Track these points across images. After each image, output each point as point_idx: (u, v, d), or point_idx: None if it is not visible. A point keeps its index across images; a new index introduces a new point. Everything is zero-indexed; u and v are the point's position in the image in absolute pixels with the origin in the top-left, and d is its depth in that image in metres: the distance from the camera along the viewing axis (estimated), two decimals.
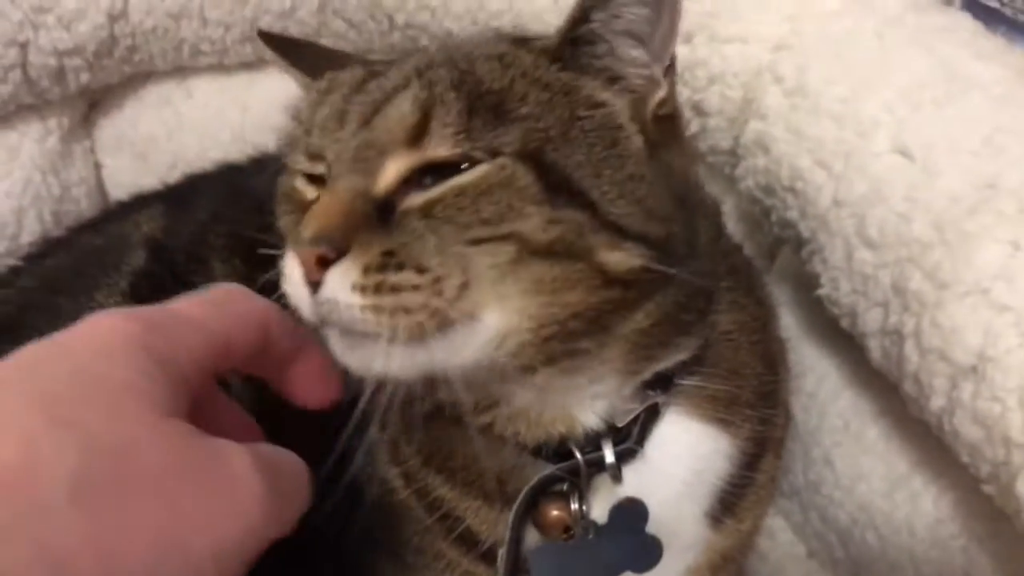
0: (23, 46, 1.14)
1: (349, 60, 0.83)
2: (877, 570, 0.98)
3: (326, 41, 1.23)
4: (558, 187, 0.65)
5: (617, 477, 0.76)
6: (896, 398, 0.94)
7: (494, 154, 0.65)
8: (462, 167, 0.65)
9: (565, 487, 0.77)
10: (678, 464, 0.80)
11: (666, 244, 0.69)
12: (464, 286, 0.63)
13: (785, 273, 1.08)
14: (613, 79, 0.72)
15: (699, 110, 1.02)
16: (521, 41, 0.74)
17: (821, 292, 0.89)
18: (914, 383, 0.81)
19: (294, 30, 1.22)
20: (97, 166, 1.35)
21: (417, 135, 0.65)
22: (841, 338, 1.00)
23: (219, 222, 1.02)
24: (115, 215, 1.14)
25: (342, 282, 0.62)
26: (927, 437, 0.92)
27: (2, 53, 1.14)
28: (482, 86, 0.67)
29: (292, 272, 0.64)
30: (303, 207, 0.71)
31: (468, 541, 0.82)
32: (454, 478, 0.81)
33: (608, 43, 0.71)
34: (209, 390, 0.62)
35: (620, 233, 0.67)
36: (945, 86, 0.83)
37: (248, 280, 0.96)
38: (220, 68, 1.31)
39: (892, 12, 0.92)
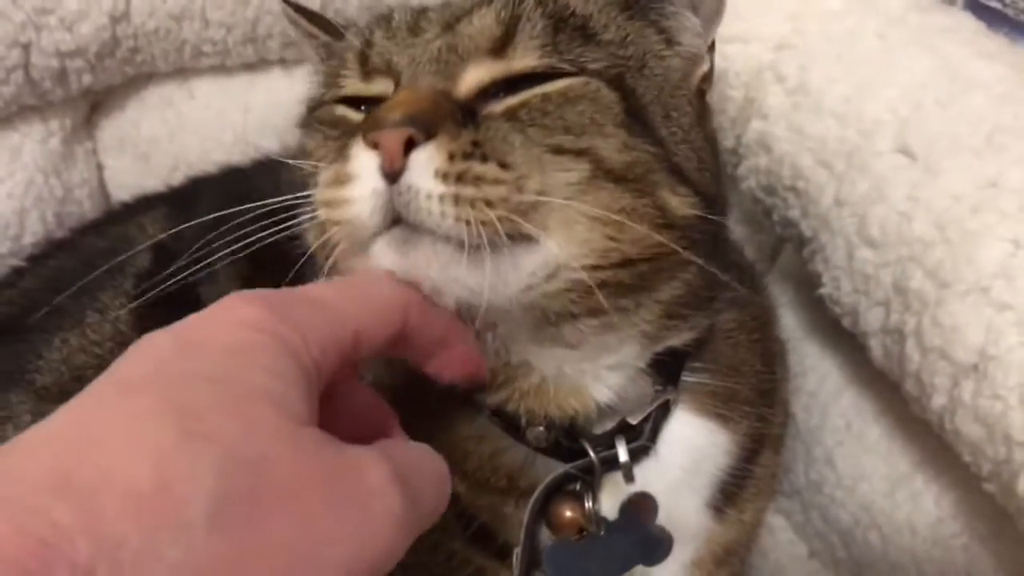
0: (25, 47, 1.14)
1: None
2: (879, 570, 0.98)
3: None
4: (635, 115, 0.68)
5: (630, 476, 0.76)
6: (898, 397, 0.94)
7: (580, 69, 0.67)
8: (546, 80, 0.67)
9: (578, 486, 0.77)
10: (680, 457, 0.81)
11: (714, 202, 0.72)
12: (541, 192, 0.62)
13: (786, 273, 1.08)
14: (670, 41, 0.75)
15: None
16: None
17: (823, 291, 0.89)
18: (915, 382, 0.81)
19: (295, 32, 1.22)
20: (99, 167, 1.34)
21: (501, 46, 0.67)
22: (843, 338, 1.00)
23: (222, 224, 1.02)
24: (118, 217, 1.14)
25: (427, 166, 0.60)
26: (929, 436, 0.92)
27: (4, 54, 1.13)
28: (567, 9, 0.70)
29: (362, 166, 0.61)
30: (354, 130, 0.67)
31: (482, 538, 0.82)
32: (467, 476, 0.80)
33: (673, 5, 0.75)
34: (342, 376, 0.57)
35: (681, 177, 0.69)
36: (947, 85, 0.84)
37: (251, 283, 0.97)
38: (222, 69, 1.31)
39: (894, 12, 0.92)
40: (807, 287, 1.02)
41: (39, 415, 0.88)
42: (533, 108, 0.65)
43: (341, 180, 0.63)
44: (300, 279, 0.72)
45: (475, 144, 0.61)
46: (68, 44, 1.16)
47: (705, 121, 0.77)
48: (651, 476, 0.78)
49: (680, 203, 0.68)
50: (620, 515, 0.78)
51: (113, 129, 1.33)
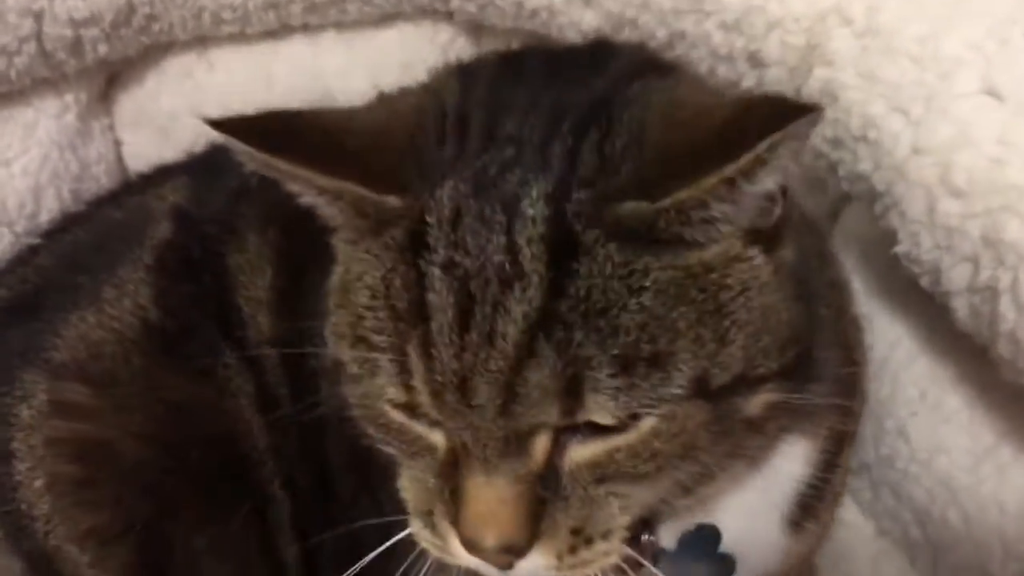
0: (38, 16, 1.08)
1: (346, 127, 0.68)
2: (960, 552, 0.91)
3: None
4: (721, 399, 0.63)
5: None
6: (980, 363, 0.87)
7: (661, 401, 0.61)
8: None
9: None
10: (754, 476, 0.77)
11: (797, 366, 0.67)
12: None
13: (849, 233, 1.01)
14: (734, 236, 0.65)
15: (756, 61, 0.94)
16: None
17: (898, 249, 0.82)
18: (1009, 343, 0.74)
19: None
20: (117, 143, 1.29)
21: (569, 410, 0.61)
22: (914, 300, 0.93)
23: (252, 190, 0.96)
24: (136, 188, 1.08)
25: (535, 569, 0.64)
26: (1017, 403, 0.85)
27: (16, 23, 1.07)
28: (632, 337, 0.59)
29: (460, 552, 0.65)
30: (420, 445, 0.67)
31: None
32: None
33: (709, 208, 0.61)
34: None
35: (760, 382, 0.65)
36: None
37: (287, 253, 0.93)
38: (242, 37, 1.24)
39: None
40: (874, 248, 0.95)
41: (55, 393, 0.85)
42: (617, 460, 0.63)
43: (440, 546, 0.67)
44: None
45: (577, 531, 0.63)
46: (82, 12, 1.10)
47: (780, 245, 0.68)
48: (726, 499, 0.77)
49: (758, 402, 0.65)
50: (679, 547, 0.77)
51: (130, 103, 1.27)
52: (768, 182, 0.60)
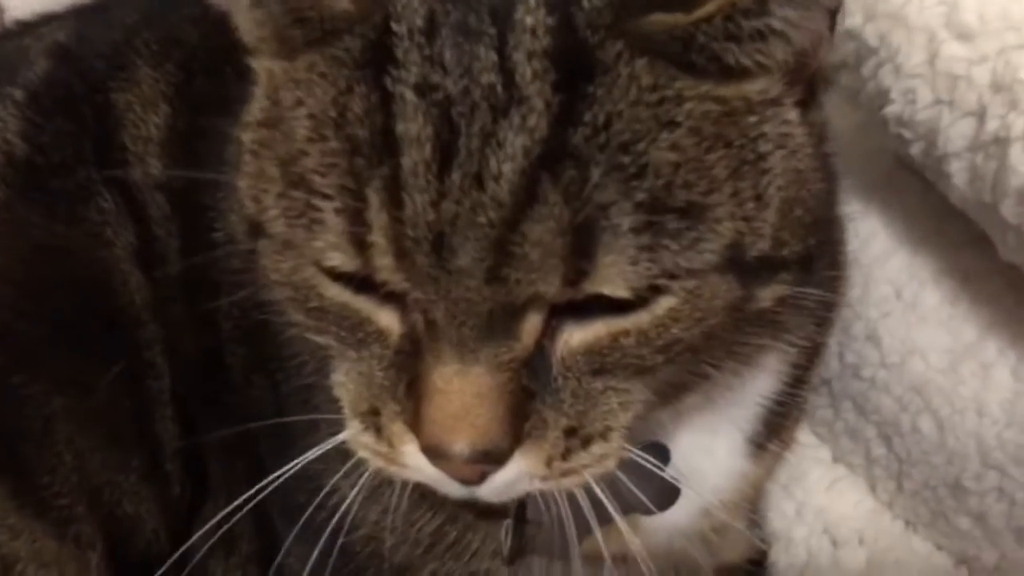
0: None
1: None
2: (930, 466, 0.83)
3: None
4: (745, 273, 0.51)
5: None
6: (964, 252, 0.80)
7: (688, 270, 0.49)
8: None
9: None
10: (722, 389, 0.67)
11: (810, 257, 0.56)
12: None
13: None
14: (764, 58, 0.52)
15: None
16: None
17: (890, 111, 0.74)
18: (1018, 202, 0.66)
19: None
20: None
21: (575, 277, 0.48)
22: (893, 189, 0.85)
23: (150, 27, 0.85)
24: (14, 33, 0.94)
25: (516, 478, 0.52)
26: (1006, 293, 0.77)
27: None
28: (664, 181, 0.47)
29: (420, 464, 0.53)
30: (366, 329, 0.53)
31: None
32: None
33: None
34: None
35: (782, 267, 0.53)
36: None
37: (184, 90, 0.80)
38: None
39: None
40: (850, 135, 0.86)
41: None
42: (622, 347, 0.51)
43: (387, 454, 0.54)
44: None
45: (571, 431, 0.52)
46: None
47: (814, 109, 0.57)
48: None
49: (770, 293, 0.54)
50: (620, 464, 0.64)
51: None
52: None
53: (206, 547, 0.77)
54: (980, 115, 0.68)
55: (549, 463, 0.52)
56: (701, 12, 0.47)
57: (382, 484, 0.65)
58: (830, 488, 0.92)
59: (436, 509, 0.68)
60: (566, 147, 0.46)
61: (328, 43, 0.50)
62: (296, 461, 0.61)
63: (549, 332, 0.50)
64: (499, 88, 0.46)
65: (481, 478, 0.52)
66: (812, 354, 0.75)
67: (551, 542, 0.68)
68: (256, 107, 0.55)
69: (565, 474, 0.53)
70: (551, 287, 0.47)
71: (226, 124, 0.61)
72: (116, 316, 0.73)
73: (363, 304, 0.52)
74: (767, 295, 0.53)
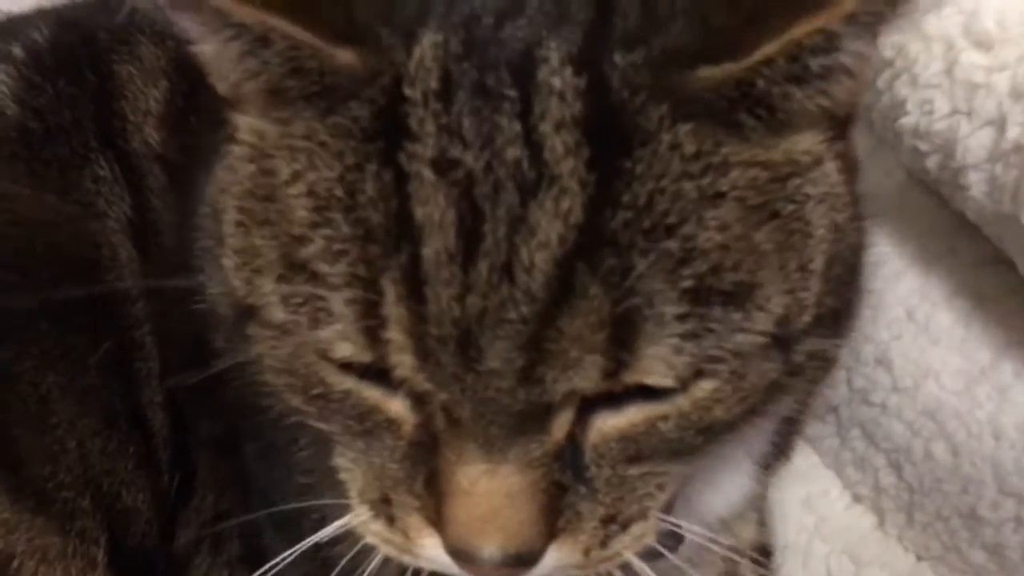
0: None
1: None
2: (944, 493, 0.80)
3: None
4: (794, 340, 0.48)
5: None
6: (978, 273, 0.79)
7: (734, 353, 0.45)
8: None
9: None
10: None
11: (842, 310, 0.52)
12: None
13: None
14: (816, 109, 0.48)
15: None
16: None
17: (905, 122, 0.72)
18: None
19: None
20: None
21: (612, 371, 0.44)
22: (903, 208, 0.83)
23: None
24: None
25: (551, 567, 0.49)
26: (1022, 313, 0.76)
27: None
28: (706, 260, 0.43)
29: (438, 556, 0.49)
30: (375, 420, 0.49)
31: None
32: None
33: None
34: None
35: (817, 325, 0.49)
36: None
37: (183, 66, 0.77)
38: None
39: None
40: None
41: None
42: (660, 432, 0.47)
43: (401, 544, 0.51)
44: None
45: (610, 519, 0.49)
46: None
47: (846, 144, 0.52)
48: None
49: (801, 351, 0.50)
50: None
51: None
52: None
53: (193, 543, 0.73)
54: (1000, 124, 0.66)
55: (587, 553, 0.49)
56: (759, 55, 0.42)
57: None
58: (849, 509, 0.89)
59: None
60: (604, 233, 0.41)
61: (331, 109, 0.45)
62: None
63: (580, 421, 0.47)
64: (526, 165, 0.42)
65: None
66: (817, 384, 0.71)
67: None
68: (241, 171, 0.48)
69: (606, 560, 0.50)
70: (589, 383, 0.44)
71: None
72: (104, 292, 0.70)
73: (372, 393, 0.48)
74: (800, 355, 0.49)
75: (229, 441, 0.72)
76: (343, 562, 0.61)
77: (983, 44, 0.67)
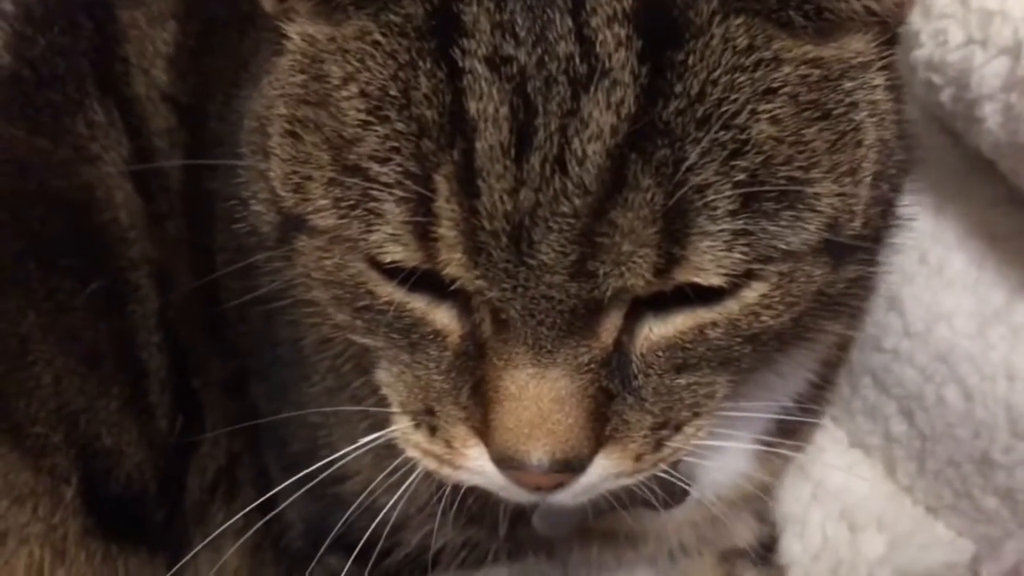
0: None
1: None
2: (956, 438, 0.79)
3: None
4: (843, 251, 0.48)
5: None
6: (991, 213, 0.77)
7: (786, 253, 0.45)
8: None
9: None
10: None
11: (883, 234, 0.52)
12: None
13: None
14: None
15: None
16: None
17: (919, 54, 0.71)
18: None
19: None
20: None
21: (663, 268, 0.43)
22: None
23: None
24: None
25: (599, 482, 0.49)
26: None
27: None
28: (759, 154, 0.43)
29: (484, 469, 0.49)
30: (421, 331, 0.49)
31: None
32: None
33: None
34: None
35: (863, 244, 0.49)
36: None
37: (193, 7, 0.76)
38: None
39: None
40: None
41: None
42: (708, 339, 0.47)
43: (442, 455, 0.50)
44: None
45: (660, 426, 0.48)
46: None
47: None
48: None
49: (847, 275, 0.50)
50: None
51: None
52: None
53: (208, 492, 0.73)
54: (1015, 52, 0.65)
55: (638, 459, 0.48)
56: None
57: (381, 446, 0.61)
58: (848, 470, 0.88)
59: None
60: (657, 123, 0.41)
61: (384, 7, 0.45)
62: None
63: (628, 328, 0.46)
64: (577, 59, 0.42)
65: (557, 487, 0.48)
66: (841, 349, 0.70)
67: (550, 522, 0.65)
68: (290, 80, 0.48)
69: (658, 462, 0.50)
70: (640, 280, 0.43)
71: (235, 41, 0.57)
72: (97, 234, 0.69)
73: (418, 303, 0.47)
74: (847, 275, 0.49)
75: (239, 381, 0.71)
76: (355, 500, 0.60)
77: None
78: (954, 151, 0.77)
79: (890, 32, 0.49)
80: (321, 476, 0.58)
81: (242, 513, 0.71)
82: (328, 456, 0.59)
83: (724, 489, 0.68)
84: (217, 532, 0.71)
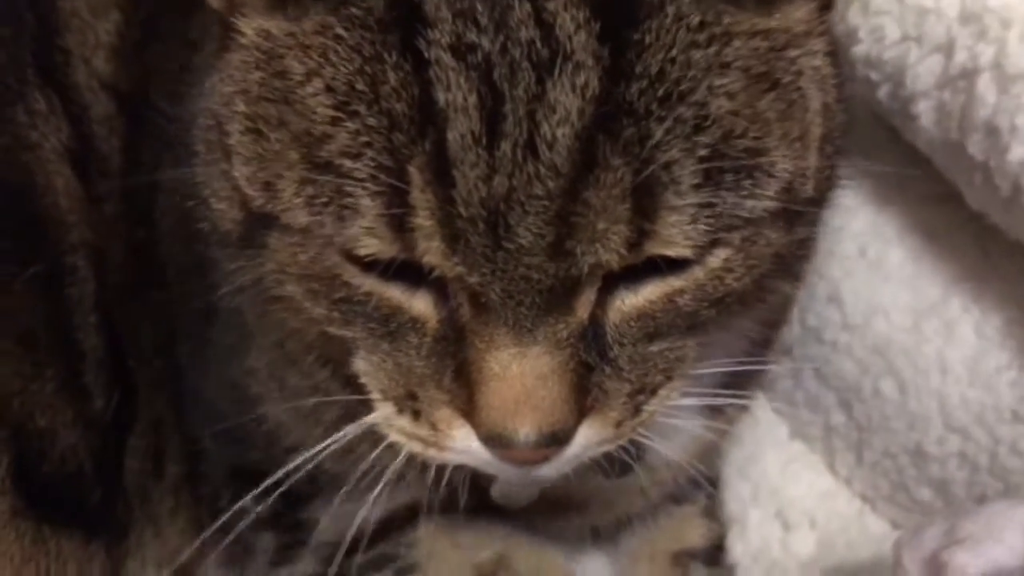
0: None
1: None
2: (892, 430, 0.80)
3: None
4: (797, 214, 0.50)
5: None
6: (929, 208, 0.78)
7: (747, 220, 0.47)
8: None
9: None
10: None
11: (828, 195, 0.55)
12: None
13: None
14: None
15: None
16: None
17: (857, 50, 0.72)
18: (985, 136, 0.64)
19: None
20: None
21: (635, 242, 0.45)
22: (857, 144, 0.82)
23: None
24: None
25: (583, 451, 0.50)
26: (970, 248, 0.75)
27: None
28: (719, 128, 0.45)
29: (470, 447, 0.50)
30: (399, 320, 0.50)
31: None
32: None
33: None
34: None
35: (813, 205, 0.52)
36: None
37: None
38: None
39: None
40: None
41: None
42: (677, 306, 0.49)
43: (427, 437, 0.51)
44: None
45: (638, 391, 0.50)
46: None
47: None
48: None
49: (799, 235, 0.52)
50: None
51: None
52: None
53: (148, 472, 0.73)
54: (948, 49, 0.66)
55: (619, 425, 0.50)
56: None
57: (315, 409, 0.61)
58: (784, 469, 0.89)
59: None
60: (621, 103, 0.43)
61: (344, 1, 0.45)
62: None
63: (601, 303, 0.48)
64: (539, 43, 0.43)
65: (544, 460, 0.49)
66: (782, 310, 0.72)
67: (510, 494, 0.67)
68: (247, 77, 0.48)
69: (637, 425, 0.52)
70: (614, 255, 0.45)
71: (181, 27, 0.57)
72: (36, 219, 0.69)
73: (395, 292, 0.48)
74: (798, 237, 0.51)
75: (163, 345, 0.72)
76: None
77: None
78: (894, 147, 0.77)
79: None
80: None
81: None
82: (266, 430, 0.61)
83: (673, 450, 0.69)
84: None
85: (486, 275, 0.45)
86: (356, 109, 0.44)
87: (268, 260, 0.50)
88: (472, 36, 0.43)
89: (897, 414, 0.78)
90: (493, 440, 0.48)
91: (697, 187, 0.44)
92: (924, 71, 0.68)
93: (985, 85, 0.62)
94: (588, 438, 0.50)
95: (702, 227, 0.45)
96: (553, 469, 0.51)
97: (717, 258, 0.47)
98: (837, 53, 0.54)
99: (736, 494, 0.89)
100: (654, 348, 0.50)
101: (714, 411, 0.70)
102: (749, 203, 0.46)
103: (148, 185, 0.68)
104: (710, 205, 0.44)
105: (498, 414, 0.47)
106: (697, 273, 0.48)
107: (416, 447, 0.52)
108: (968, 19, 0.64)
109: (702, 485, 0.80)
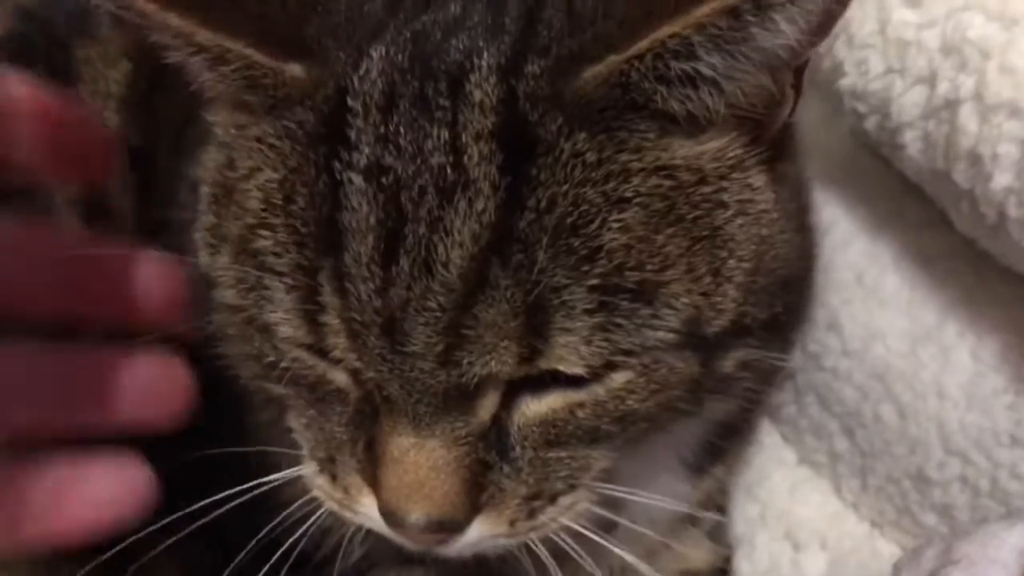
0: None
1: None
2: (894, 455, 0.80)
3: None
4: (712, 346, 0.51)
5: None
6: (924, 234, 0.79)
7: (644, 348, 0.48)
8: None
9: None
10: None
11: (778, 321, 0.55)
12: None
13: None
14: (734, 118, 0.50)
15: None
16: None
17: (843, 83, 0.73)
18: (969, 165, 0.64)
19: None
20: None
21: (529, 355, 0.48)
22: (852, 173, 0.84)
23: None
24: None
25: (478, 541, 0.53)
26: (966, 273, 0.76)
27: None
28: (611, 260, 0.47)
29: (376, 520, 0.53)
30: (323, 389, 0.53)
31: None
32: None
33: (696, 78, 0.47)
34: None
35: (745, 334, 0.53)
36: None
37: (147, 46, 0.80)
38: None
39: None
40: (810, 125, 0.85)
41: None
42: (578, 418, 0.51)
43: (341, 500, 0.55)
44: None
45: (534, 496, 0.52)
46: None
47: (782, 161, 0.54)
48: None
49: (732, 361, 0.54)
50: None
51: None
52: (783, 28, 0.44)
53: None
54: (931, 80, 0.67)
55: (512, 524, 0.52)
56: (633, 49, 0.44)
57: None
58: (793, 490, 0.89)
59: None
60: (514, 231, 0.45)
61: (280, 111, 0.48)
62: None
63: (506, 404, 0.50)
64: (448, 169, 0.45)
65: (438, 543, 0.52)
66: (769, 376, 0.71)
67: None
68: (214, 158, 0.53)
69: (533, 529, 0.53)
70: (505, 366, 0.47)
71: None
72: None
73: (319, 364, 0.52)
74: (729, 363, 0.53)
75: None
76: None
77: (913, 2, 0.68)
78: (887, 175, 0.79)
79: (766, 130, 0.51)
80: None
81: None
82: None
83: (656, 513, 0.70)
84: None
85: (383, 373, 0.48)
86: (277, 215, 0.47)
87: (214, 317, 0.54)
88: (389, 159, 0.46)
89: (898, 439, 0.79)
90: (388, 516, 0.51)
91: (589, 312, 0.46)
92: (909, 102, 0.69)
93: (967, 115, 0.64)
94: (481, 532, 0.52)
95: (596, 349, 0.47)
96: (453, 551, 0.53)
97: (616, 380, 0.49)
98: (795, 187, 0.55)
99: (744, 516, 0.89)
100: (554, 455, 0.52)
101: (698, 473, 0.72)
102: (647, 331, 0.47)
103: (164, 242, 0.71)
104: (604, 329, 0.46)
105: (393, 495, 0.50)
106: (597, 390, 0.49)
107: (334, 506, 0.55)
108: (949, 51, 0.65)
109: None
